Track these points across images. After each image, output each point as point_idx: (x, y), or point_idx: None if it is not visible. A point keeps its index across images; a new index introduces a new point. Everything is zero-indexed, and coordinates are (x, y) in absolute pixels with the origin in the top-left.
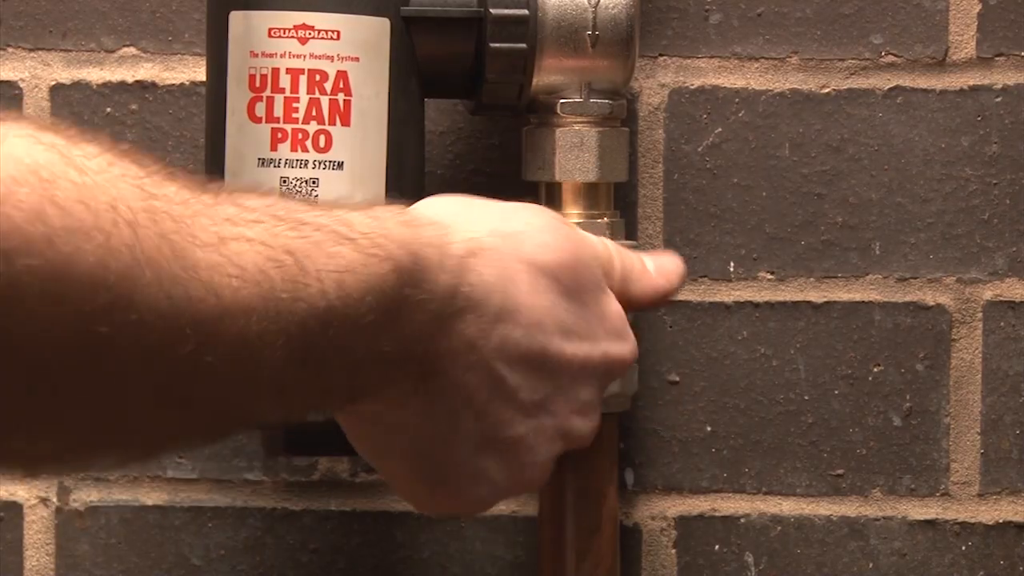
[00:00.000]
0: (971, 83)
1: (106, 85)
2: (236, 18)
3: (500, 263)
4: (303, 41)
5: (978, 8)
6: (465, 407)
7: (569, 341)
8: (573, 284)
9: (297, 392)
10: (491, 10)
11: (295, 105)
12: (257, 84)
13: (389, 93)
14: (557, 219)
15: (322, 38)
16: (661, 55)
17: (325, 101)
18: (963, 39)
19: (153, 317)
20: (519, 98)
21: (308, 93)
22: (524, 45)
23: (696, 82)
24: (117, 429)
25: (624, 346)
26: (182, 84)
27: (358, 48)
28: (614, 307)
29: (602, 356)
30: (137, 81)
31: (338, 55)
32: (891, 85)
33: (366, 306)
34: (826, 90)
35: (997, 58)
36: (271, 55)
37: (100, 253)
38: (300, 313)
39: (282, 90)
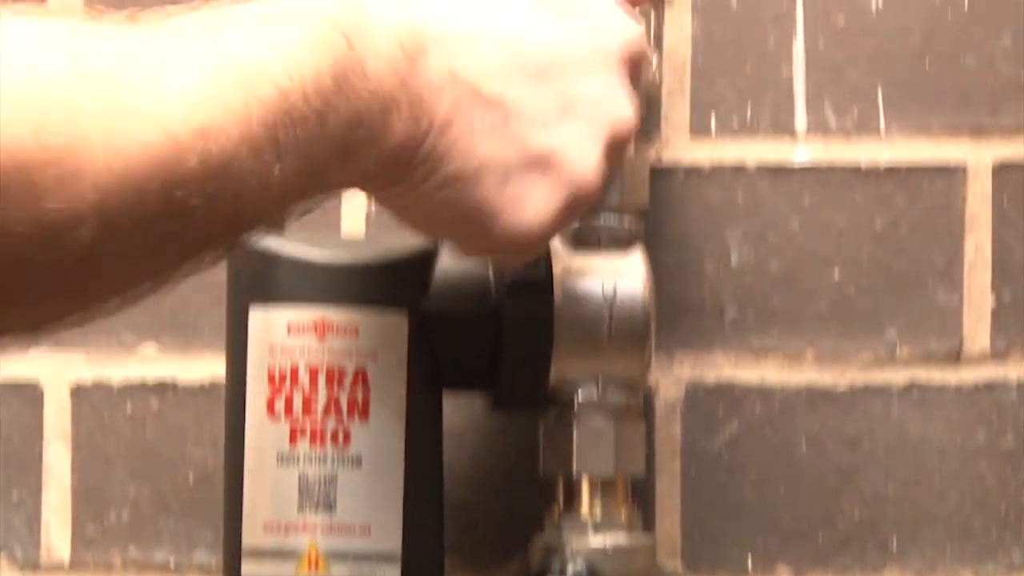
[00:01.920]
0: (986, 378)
1: (127, 383)
2: (256, 314)
3: None
4: (322, 337)
5: (992, 304)
6: (472, 142)
7: (559, 31)
8: None
9: (286, 188)
10: (508, 305)
11: (314, 401)
12: (276, 380)
13: (407, 388)
14: None
15: (341, 334)
16: (677, 350)
17: (344, 397)
18: (977, 334)
19: (109, 178)
20: (537, 393)
21: (327, 389)
22: (541, 340)
23: (712, 377)
24: (96, 298)
25: (628, 24)
26: (202, 381)
27: (376, 344)
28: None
29: (605, 35)
30: (157, 379)
31: (357, 351)
32: (907, 380)
33: (312, 85)
34: (841, 384)
35: (1012, 352)
36: (290, 351)
37: (35, 138)
38: (257, 113)
39: (301, 386)
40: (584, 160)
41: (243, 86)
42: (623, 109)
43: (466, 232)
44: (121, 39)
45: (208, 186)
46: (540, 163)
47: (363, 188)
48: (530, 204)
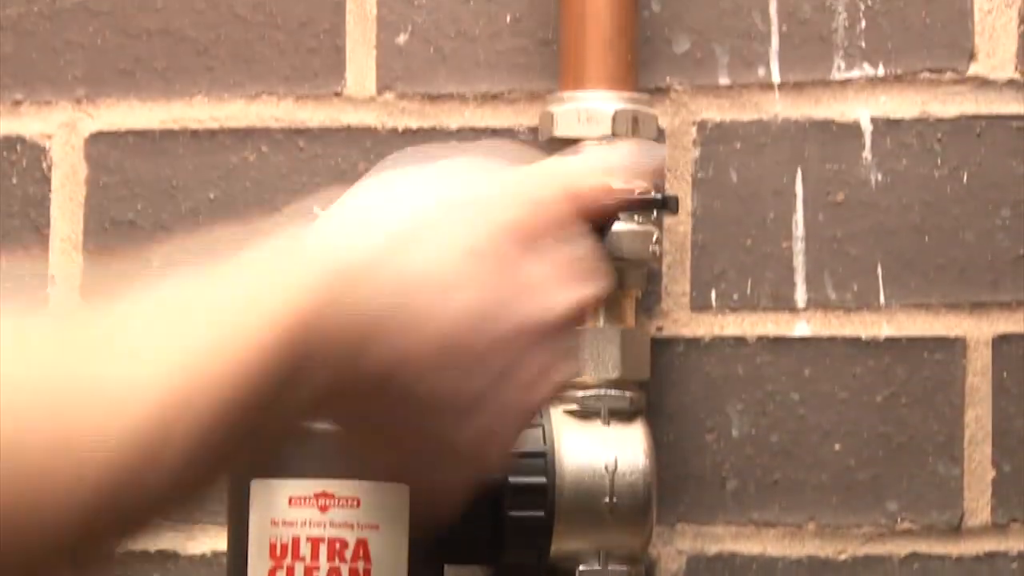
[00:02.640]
0: (987, 550)
1: (129, 554)
2: (257, 487)
3: (401, 281)
4: (323, 509)
5: (992, 474)
6: (381, 429)
7: (502, 319)
8: (499, 266)
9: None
10: (509, 478)
11: (316, 574)
12: (278, 553)
13: (409, 560)
14: (489, 193)
15: (342, 506)
16: (679, 522)
17: (345, 569)
18: (978, 505)
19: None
20: (538, 565)
21: (328, 561)
22: (542, 513)
23: (714, 549)
24: None
25: (563, 296)
26: (204, 554)
27: (378, 515)
28: (540, 270)
29: (544, 315)
30: (160, 551)
31: (358, 523)
32: (907, 552)
33: (256, 403)
34: (843, 556)
35: (1012, 524)
36: (291, 524)
37: None
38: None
39: (302, 559)
40: (496, 446)
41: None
42: (542, 393)
43: None
44: (76, 364)
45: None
46: (435, 452)
47: None
48: (447, 477)
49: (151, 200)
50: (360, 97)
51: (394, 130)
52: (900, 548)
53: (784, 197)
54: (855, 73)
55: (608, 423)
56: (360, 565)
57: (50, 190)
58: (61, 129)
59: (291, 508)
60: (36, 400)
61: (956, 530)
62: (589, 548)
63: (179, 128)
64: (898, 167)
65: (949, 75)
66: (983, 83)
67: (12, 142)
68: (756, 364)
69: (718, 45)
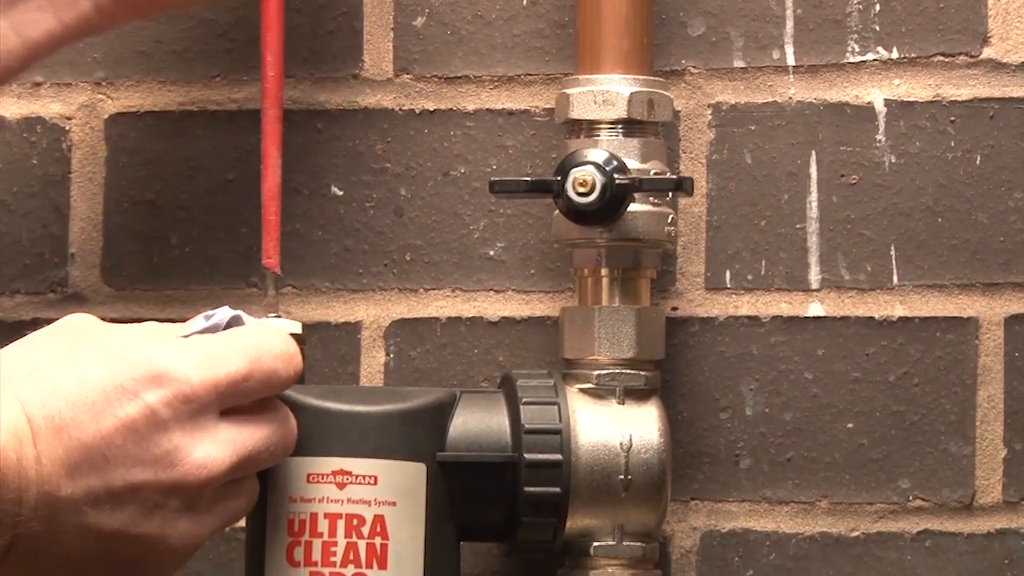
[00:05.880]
0: (998, 527)
1: None
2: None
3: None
4: (341, 486)
5: (1004, 453)
6: None
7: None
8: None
9: None
10: (525, 455)
11: (333, 549)
12: (295, 528)
13: (425, 536)
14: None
15: (360, 483)
16: (693, 499)
17: (362, 545)
18: (990, 483)
19: None
20: (553, 541)
21: (346, 537)
22: (558, 489)
23: (727, 525)
24: None
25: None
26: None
27: (395, 493)
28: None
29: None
30: None
31: (375, 500)
32: (919, 529)
33: None
34: (855, 533)
35: (1023, 502)
36: (309, 500)
37: None
38: None
39: (320, 534)
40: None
41: None
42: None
43: None
44: None
45: None
46: None
47: None
48: None
49: (170, 181)
50: (377, 79)
51: (411, 112)
52: (912, 525)
53: (798, 179)
54: (869, 56)
55: (623, 402)
56: (377, 541)
57: (70, 171)
58: (81, 110)
59: (309, 485)
60: None
61: (968, 508)
62: (604, 525)
63: (198, 109)
64: (911, 149)
65: (962, 58)
66: (996, 66)
67: (32, 123)
68: (770, 344)
69: (733, 28)
